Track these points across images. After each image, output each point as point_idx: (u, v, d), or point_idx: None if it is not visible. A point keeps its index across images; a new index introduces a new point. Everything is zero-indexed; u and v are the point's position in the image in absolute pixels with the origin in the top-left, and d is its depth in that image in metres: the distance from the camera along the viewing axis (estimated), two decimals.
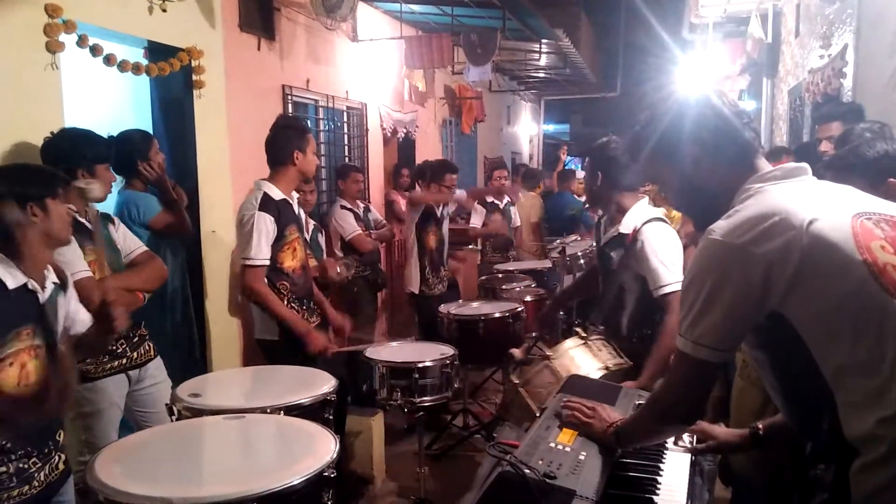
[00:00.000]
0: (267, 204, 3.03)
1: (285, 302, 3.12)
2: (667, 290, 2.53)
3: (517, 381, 2.61)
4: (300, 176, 3.21)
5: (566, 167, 9.11)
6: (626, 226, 2.66)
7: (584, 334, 2.66)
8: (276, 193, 3.08)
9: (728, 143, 1.47)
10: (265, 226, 3.00)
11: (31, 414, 1.90)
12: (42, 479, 1.97)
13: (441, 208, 4.94)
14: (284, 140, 3.11)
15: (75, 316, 2.15)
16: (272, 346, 3.15)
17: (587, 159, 2.96)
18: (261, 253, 3.00)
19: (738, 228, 1.30)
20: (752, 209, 1.33)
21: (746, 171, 1.44)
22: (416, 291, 4.79)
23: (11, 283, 1.87)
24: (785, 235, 1.26)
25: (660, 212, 2.76)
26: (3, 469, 1.87)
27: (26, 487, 1.92)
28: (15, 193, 1.93)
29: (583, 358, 2.60)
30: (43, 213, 1.97)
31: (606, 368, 2.56)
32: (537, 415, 2.61)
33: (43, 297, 1.96)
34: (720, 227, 1.33)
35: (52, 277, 2.03)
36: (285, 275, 3.13)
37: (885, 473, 1.20)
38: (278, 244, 3.07)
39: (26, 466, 1.92)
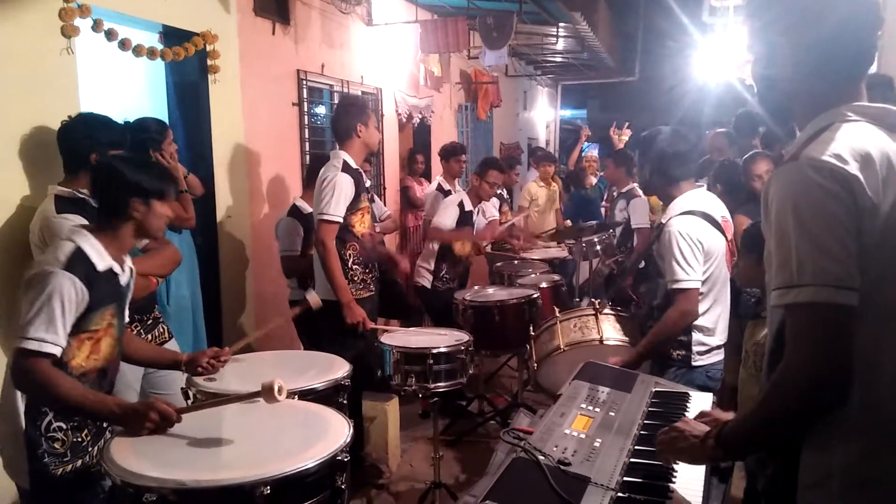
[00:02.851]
0: (348, 168, 3.28)
1: (351, 262, 3.34)
2: (677, 286, 2.56)
3: (533, 334, 2.98)
4: (366, 148, 3.44)
5: (583, 153, 8.97)
6: (665, 216, 2.70)
7: (596, 307, 2.85)
8: (352, 162, 3.33)
9: (852, 48, 1.25)
10: (345, 186, 3.23)
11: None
12: (95, 453, 2.03)
13: (476, 212, 4.76)
14: (346, 116, 3.39)
15: None
16: (325, 305, 3.23)
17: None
18: (338, 209, 3.21)
19: (840, 151, 1.16)
20: (850, 138, 1.18)
21: (847, 91, 1.27)
22: (429, 286, 4.64)
23: (101, 266, 1.97)
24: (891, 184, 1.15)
25: (706, 204, 2.72)
26: (58, 444, 1.95)
27: (79, 462, 1.99)
28: (127, 184, 2.01)
29: (585, 326, 2.84)
30: (145, 210, 2.04)
31: (600, 341, 2.77)
32: (534, 367, 2.88)
33: (123, 280, 2.07)
34: (815, 150, 1.18)
35: (129, 262, 2.13)
36: (356, 237, 3.35)
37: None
38: (353, 207, 3.28)
39: (79, 440, 2.00)
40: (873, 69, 4.33)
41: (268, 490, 1.56)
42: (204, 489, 1.57)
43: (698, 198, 2.74)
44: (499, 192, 6.12)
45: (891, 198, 1.16)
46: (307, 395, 2.24)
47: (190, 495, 1.57)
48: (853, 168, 1.15)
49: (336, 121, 3.45)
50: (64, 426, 1.97)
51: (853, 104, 1.26)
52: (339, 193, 3.19)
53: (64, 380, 1.87)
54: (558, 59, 11.09)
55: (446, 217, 4.57)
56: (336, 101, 5.66)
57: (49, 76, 2.86)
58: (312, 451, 1.71)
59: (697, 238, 2.58)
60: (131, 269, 2.16)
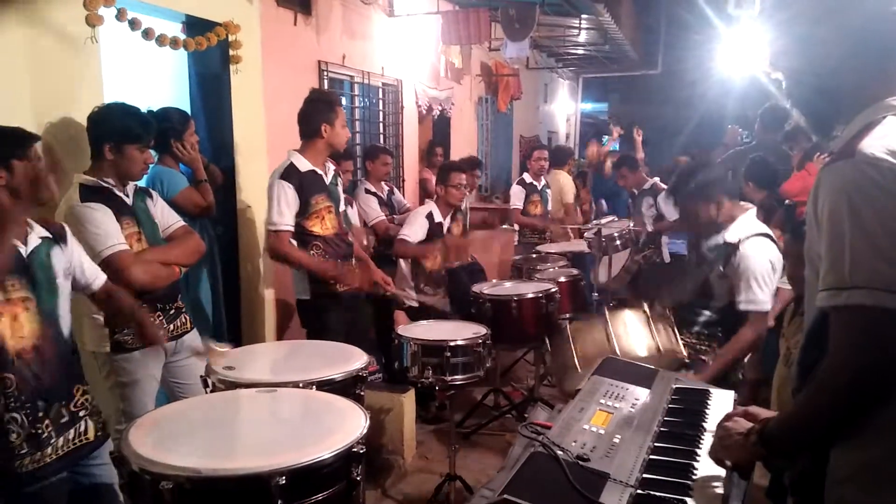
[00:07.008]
0: (289, 174, 3.16)
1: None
2: (753, 307, 2.67)
3: (578, 358, 2.81)
4: (329, 148, 3.30)
5: (612, 150, 8.89)
6: (731, 235, 2.76)
7: (648, 311, 2.80)
8: (304, 164, 3.20)
9: (891, 37, 1.21)
10: (284, 194, 3.13)
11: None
12: (60, 444, 1.97)
13: (447, 219, 4.35)
14: (313, 113, 3.24)
15: (81, 267, 2.19)
16: (304, 305, 3.31)
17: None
18: (282, 218, 3.14)
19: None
20: None
21: (894, 83, 1.22)
22: (416, 305, 4.23)
23: None
24: None
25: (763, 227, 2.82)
26: (14, 437, 1.87)
27: (39, 455, 1.91)
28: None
29: (638, 331, 2.74)
30: (8, 175, 2.00)
31: (658, 350, 2.68)
32: (577, 364, 2.74)
33: (25, 251, 1.98)
34: (870, 146, 1.13)
35: (37, 232, 2.05)
36: (318, 237, 3.25)
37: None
38: (305, 212, 3.19)
39: (38, 431, 1.92)
40: None
41: (283, 480, 1.56)
42: (220, 478, 1.57)
43: (757, 221, 2.80)
44: (529, 182, 6.08)
45: None
46: (324, 385, 2.24)
47: (206, 483, 1.57)
48: None
49: (302, 116, 3.27)
50: (19, 418, 1.88)
51: None
52: (278, 202, 3.12)
53: None
54: (580, 52, 11.01)
55: (413, 231, 4.18)
56: (356, 93, 5.67)
57: (73, 65, 2.88)
58: (329, 442, 1.71)
59: (774, 260, 2.70)
60: (48, 238, 2.06)
